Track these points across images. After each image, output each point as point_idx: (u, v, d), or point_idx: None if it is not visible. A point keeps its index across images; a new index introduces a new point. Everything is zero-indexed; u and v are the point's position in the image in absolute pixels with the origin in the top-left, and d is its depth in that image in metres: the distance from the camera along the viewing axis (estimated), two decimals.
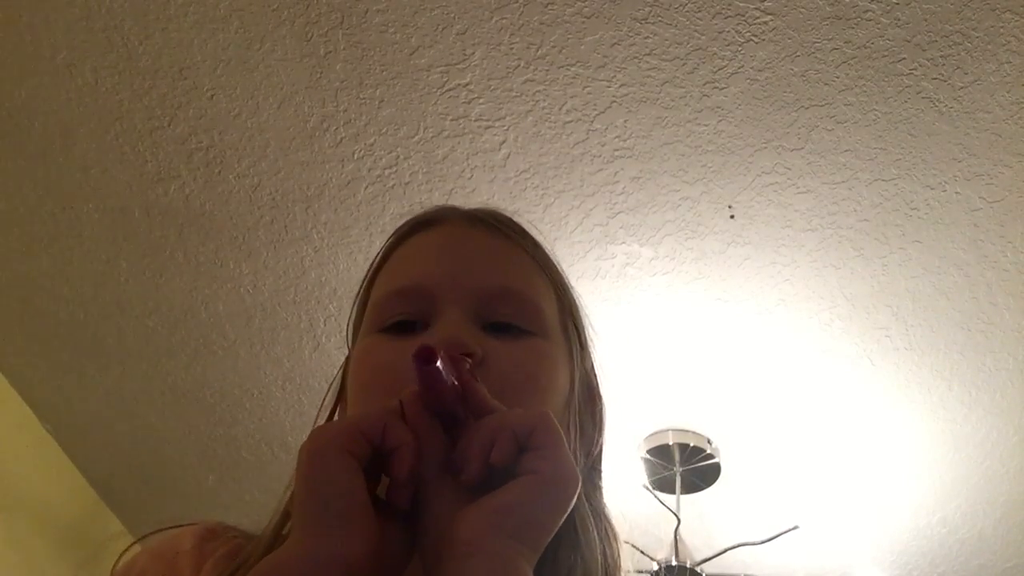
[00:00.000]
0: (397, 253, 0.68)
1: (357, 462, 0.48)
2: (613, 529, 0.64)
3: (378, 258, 0.70)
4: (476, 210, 0.71)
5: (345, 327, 0.72)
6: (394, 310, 0.63)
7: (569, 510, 0.49)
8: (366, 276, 0.70)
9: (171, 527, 0.65)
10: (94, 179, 1.74)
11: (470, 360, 0.56)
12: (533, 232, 0.70)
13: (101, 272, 1.91)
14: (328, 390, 0.70)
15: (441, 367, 0.50)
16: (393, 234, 0.71)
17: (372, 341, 0.63)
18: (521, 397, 0.58)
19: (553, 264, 0.70)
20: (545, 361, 0.62)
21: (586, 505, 0.60)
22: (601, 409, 0.70)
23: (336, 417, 0.68)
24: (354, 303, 0.71)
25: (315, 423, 0.66)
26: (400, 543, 0.50)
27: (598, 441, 0.68)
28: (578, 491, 0.49)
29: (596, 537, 0.60)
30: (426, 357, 0.49)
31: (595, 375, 0.71)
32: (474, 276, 0.63)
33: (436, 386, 0.51)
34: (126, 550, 0.64)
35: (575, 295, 0.71)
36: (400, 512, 0.50)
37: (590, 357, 0.71)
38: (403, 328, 0.62)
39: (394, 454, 0.49)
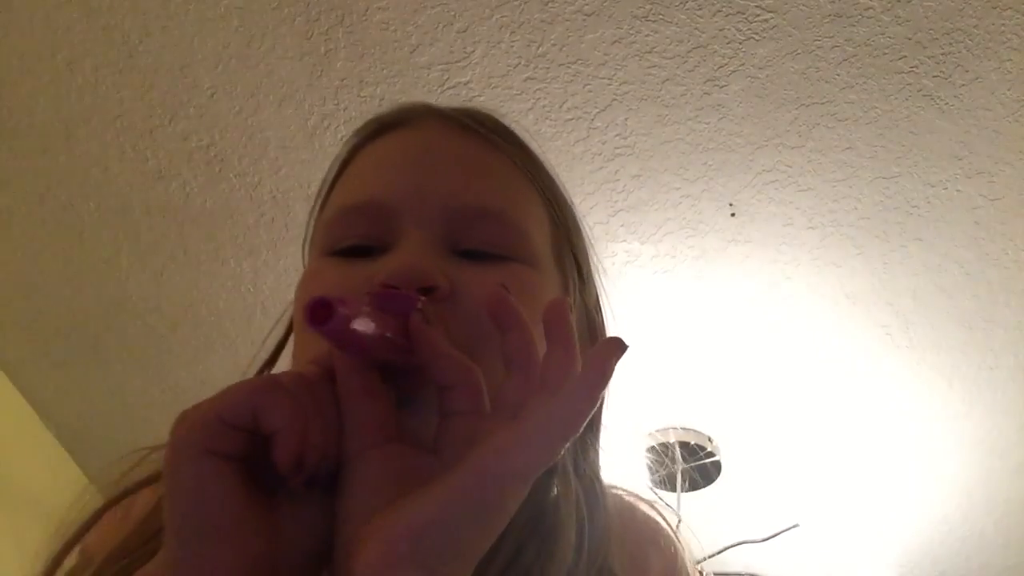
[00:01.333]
0: (356, 160, 0.57)
1: (221, 460, 0.38)
2: (603, 493, 0.54)
3: (336, 164, 0.59)
4: (454, 109, 0.59)
5: None
6: (348, 231, 0.52)
7: (506, 518, 0.37)
8: (322, 186, 0.60)
9: (147, 449, 0.58)
10: (94, 178, 1.73)
11: (423, 299, 0.45)
12: (525, 137, 0.59)
13: (101, 271, 1.91)
14: (276, 323, 0.59)
15: (355, 324, 0.39)
16: (354, 134, 0.59)
17: (318, 266, 0.53)
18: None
19: (548, 177, 0.59)
20: (528, 293, 0.50)
21: (570, 470, 0.52)
22: None
23: (286, 357, 0.58)
24: (310, 216, 0.60)
25: (254, 361, 0.57)
26: (315, 533, 0.40)
27: None
28: (523, 489, 0.38)
29: (577, 506, 0.50)
30: (317, 314, 0.37)
31: (599, 311, 0.60)
32: (444, 191, 0.51)
33: (350, 345, 0.40)
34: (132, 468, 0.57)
35: (575, 216, 0.60)
36: (316, 496, 0.40)
37: (594, 290, 0.60)
38: (357, 253, 0.51)
39: (273, 440, 0.38)
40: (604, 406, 0.58)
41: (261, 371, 0.59)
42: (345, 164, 0.58)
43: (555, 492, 0.51)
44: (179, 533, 0.38)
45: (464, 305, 0.48)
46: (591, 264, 0.60)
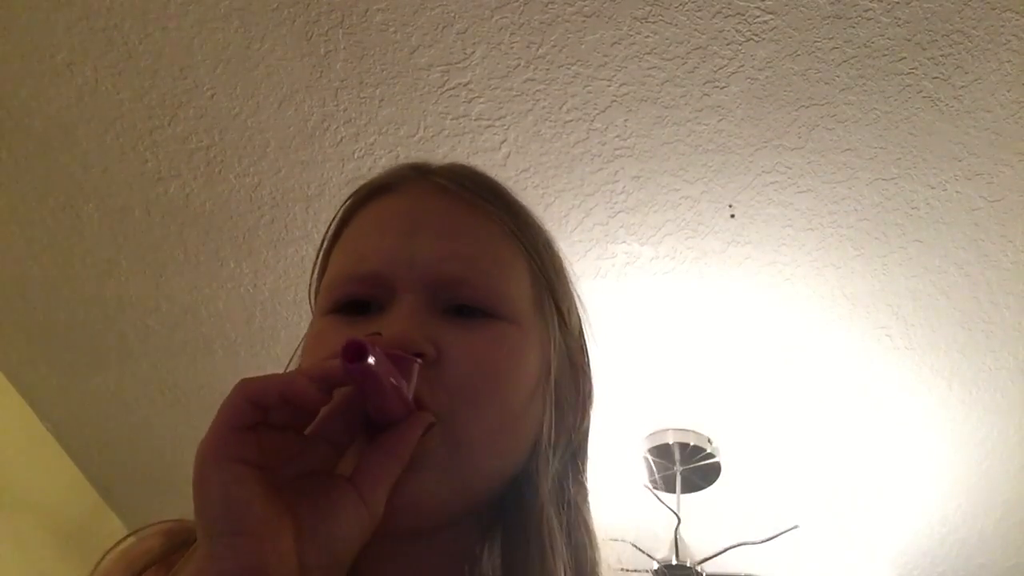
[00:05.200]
0: (353, 223, 0.63)
1: (241, 465, 0.44)
2: (590, 529, 0.59)
3: (334, 223, 0.65)
4: (442, 170, 0.64)
5: None
6: (347, 292, 0.58)
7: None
8: (323, 240, 0.65)
9: (137, 531, 0.62)
10: (94, 178, 1.74)
11: (420, 360, 0.51)
12: (507, 190, 0.64)
13: (101, 272, 1.91)
14: (287, 365, 0.64)
15: (374, 364, 0.45)
16: (350, 197, 0.64)
17: (324, 325, 0.59)
18: (481, 396, 0.54)
19: (530, 228, 0.63)
20: (509, 351, 0.57)
21: (553, 504, 0.56)
22: (587, 386, 0.64)
23: None
24: (313, 267, 0.66)
25: None
26: (338, 536, 0.46)
27: (582, 423, 0.62)
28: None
29: (564, 539, 0.56)
30: (355, 352, 0.43)
31: (581, 348, 0.65)
32: (430, 260, 0.57)
33: (371, 386, 0.46)
34: (100, 560, 0.61)
35: (556, 261, 0.65)
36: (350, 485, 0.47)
37: (576, 327, 0.65)
38: (357, 309, 0.57)
39: (285, 396, 0.45)
40: (587, 437, 0.63)
41: None
42: (342, 226, 0.64)
43: (545, 521, 0.56)
44: (211, 534, 0.43)
45: (449, 369, 0.54)
46: (573, 305, 0.65)
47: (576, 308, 0.65)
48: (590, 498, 0.61)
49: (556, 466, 0.58)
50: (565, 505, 0.58)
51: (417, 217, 0.60)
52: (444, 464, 0.52)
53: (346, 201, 0.64)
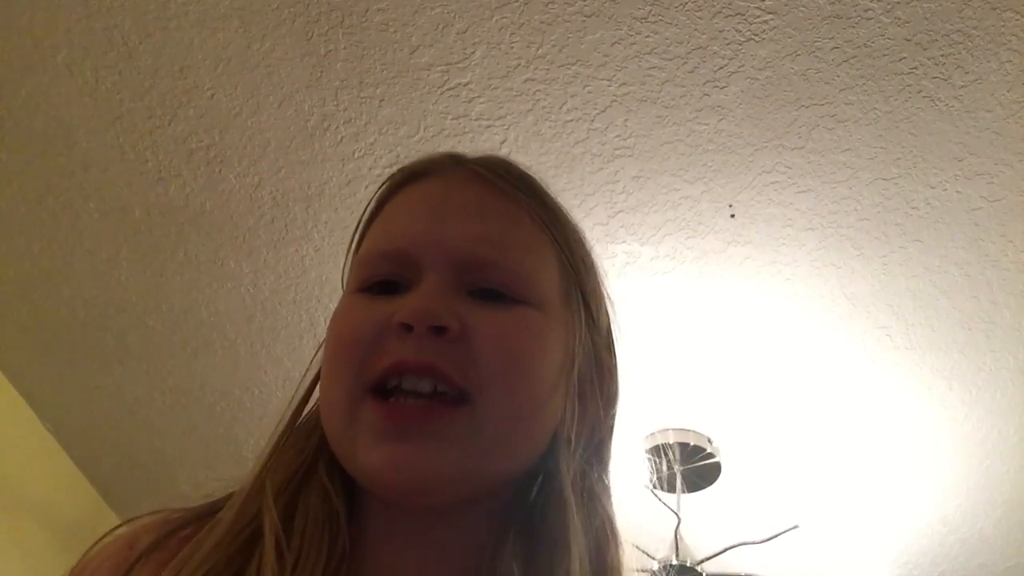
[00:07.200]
0: (388, 206, 0.64)
1: None
2: (613, 526, 0.59)
3: (371, 206, 0.66)
4: (477, 160, 0.65)
5: None
6: (377, 271, 0.59)
7: None
8: (359, 224, 0.66)
9: (129, 520, 0.62)
10: (94, 178, 1.74)
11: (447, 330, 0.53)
12: (541, 183, 0.65)
13: (101, 272, 1.91)
14: (318, 349, 0.64)
15: None
16: (387, 181, 0.66)
17: (351, 301, 0.60)
18: (505, 375, 0.54)
19: (561, 221, 0.64)
20: (535, 335, 0.57)
21: (576, 499, 0.56)
22: (612, 386, 0.63)
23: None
24: (348, 250, 0.67)
25: (299, 383, 0.64)
26: None
27: (605, 422, 0.62)
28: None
29: (587, 535, 0.56)
30: None
31: (609, 348, 0.65)
32: (460, 241, 0.58)
33: None
34: (90, 548, 0.61)
35: (587, 258, 0.65)
36: None
37: (605, 327, 0.65)
38: (385, 288, 0.58)
39: None
40: (611, 437, 0.62)
41: (297, 409, 0.64)
42: (378, 208, 0.65)
43: (572, 516, 0.56)
44: None
45: (474, 344, 0.54)
46: (603, 303, 0.65)
47: (606, 307, 0.66)
48: (613, 497, 0.60)
49: (578, 461, 0.58)
50: (587, 501, 0.58)
51: (448, 201, 0.61)
52: (468, 441, 0.53)
53: (382, 184, 0.66)
